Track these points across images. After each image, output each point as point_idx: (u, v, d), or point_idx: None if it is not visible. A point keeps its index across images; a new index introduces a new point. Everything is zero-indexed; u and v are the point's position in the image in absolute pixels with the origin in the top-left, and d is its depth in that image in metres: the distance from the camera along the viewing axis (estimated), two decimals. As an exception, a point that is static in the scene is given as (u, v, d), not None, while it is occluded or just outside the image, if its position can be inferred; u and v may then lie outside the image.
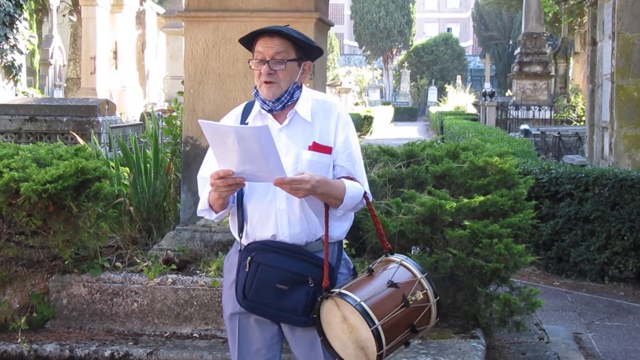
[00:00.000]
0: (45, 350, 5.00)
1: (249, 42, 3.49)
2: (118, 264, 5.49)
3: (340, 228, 3.52)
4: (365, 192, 3.51)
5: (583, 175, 8.46)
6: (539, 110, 25.54)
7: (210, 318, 5.21)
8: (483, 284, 5.36)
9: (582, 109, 23.10)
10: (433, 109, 41.63)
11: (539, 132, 19.17)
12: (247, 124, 3.48)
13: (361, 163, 3.57)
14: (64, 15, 25.82)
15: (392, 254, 3.49)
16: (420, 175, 5.92)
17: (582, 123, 21.22)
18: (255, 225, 3.44)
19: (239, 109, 3.63)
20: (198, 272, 5.37)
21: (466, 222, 5.28)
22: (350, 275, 3.49)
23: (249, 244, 3.46)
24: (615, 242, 8.28)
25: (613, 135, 11.24)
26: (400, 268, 3.38)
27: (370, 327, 3.16)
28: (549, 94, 27.65)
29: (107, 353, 4.94)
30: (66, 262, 5.37)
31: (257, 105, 3.52)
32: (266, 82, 3.40)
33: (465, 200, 5.43)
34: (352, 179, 3.47)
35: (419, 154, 6.23)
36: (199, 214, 3.59)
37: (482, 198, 5.42)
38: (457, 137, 16.08)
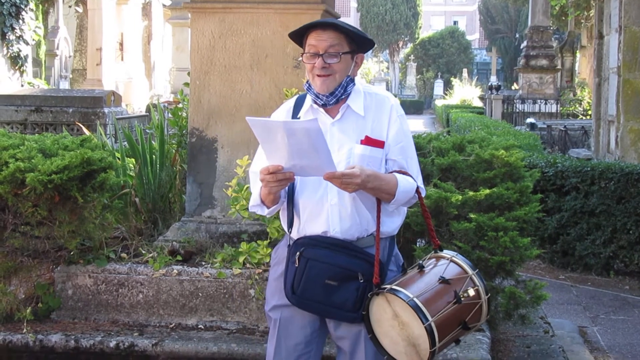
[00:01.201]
0: (51, 340, 5.01)
1: (298, 37, 3.45)
2: (123, 254, 5.49)
3: (392, 223, 3.48)
4: (417, 187, 3.46)
5: (589, 169, 8.45)
6: (545, 103, 25.53)
7: (216, 309, 5.21)
8: (488, 277, 5.35)
9: (589, 102, 23.08)
10: (439, 102, 41.55)
11: (545, 126, 19.16)
12: (298, 118, 3.44)
13: (415, 157, 3.52)
14: (70, 6, 25.78)
15: (441, 250, 3.46)
16: (426, 168, 5.90)
17: (588, 117, 21.21)
18: (307, 220, 3.41)
19: (290, 102, 3.59)
20: (203, 263, 5.37)
21: (472, 215, 5.28)
22: (399, 272, 3.46)
23: (298, 239, 3.43)
24: (620, 236, 8.27)
25: (619, 129, 11.22)
26: (451, 264, 3.35)
27: (423, 324, 3.12)
28: (555, 87, 27.61)
29: (112, 344, 4.94)
30: (72, 253, 5.37)
31: (308, 99, 3.48)
32: (320, 76, 3.35)
33: (471, 193, 5.42)
34: (404, 173, 3.42)
35: (424, 146, 6.21)
36: (250, 210, 3.57)
37: (487, 191, 5.41)
38: (463, 130, 16.06)
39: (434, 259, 3.41)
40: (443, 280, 3.26)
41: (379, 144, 3.39)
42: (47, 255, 5.37)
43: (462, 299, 3.24)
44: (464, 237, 5.25)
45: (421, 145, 6.23)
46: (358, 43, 3.44)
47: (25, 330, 5.06)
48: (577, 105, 25.49)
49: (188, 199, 5.79)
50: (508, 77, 52.79)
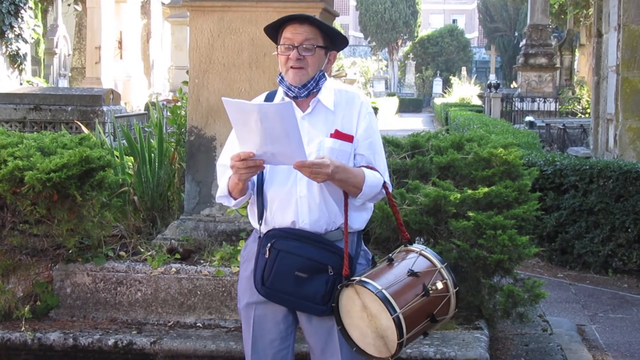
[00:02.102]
0: (49, 338, 5.01)
1: (273, 30, 3.52)
2: (122, 253, 5.49)
3: (359, 218, 3.52)
4: (384, 182, 3.50)
5: (587, 167, 8.45)
6: (544, 102, 25.54)
7: (214, 308, 5.22)
8: (487, 275, 5.35)
9: (587, 101, 23.07)
10: (438, 101, 41.59)
11: (543, 124, 19.16)
12: None
13: (382, 153, 3.58)
14: (69, 5, 25.76)
15: (410, 244, 3.49)
16: (425, 166, 5.91)
17: (587, 115, 21.19)
18: (276, 212, 3.44)
19: (261, 97, 3.64)
20: (202, 261, 5.37)
21: (470, 213, 5.28)
22: (368, 266, 3.49)
23: (268, 231, 3.46)
24: (619, 234, 8.27)
25: (618, 127, 11.22)
26: (420, 257, 3.38)
27: (391, 315, 3.15)
28: (554, 86, 27.62)
29: (110, 342, 4.95)
30: (70, 251, 5.37)
31: (279, 93, 3.53)
32: (294, 68, 3.41)
33: (470, 191, 5.42)
34: (372, 168, 3.47)
35: (423, 145, 6.22)
36: (217, 201, 3.60)
37: (486, 189, 5.42)
38: (461, 129, 16.07)
39: (403, 252, 3.45)
40: (412, 273, 3.29)
41: (348, 138, 3.44)
42: (45, 253, 5.37)
43: (430, 291, 3.28)
44: (462, 235, 5.25)
45: (420, 144, 6.23)
46: (332, 40, 3.50)
47: (23, 328, 5.06)
48: (576, 104, 25.48)
49: (187, 197, 5.79)
50: (507, 76, 52.80)
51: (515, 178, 5.68)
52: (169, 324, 5.22)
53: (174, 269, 5.25)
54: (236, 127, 3.27)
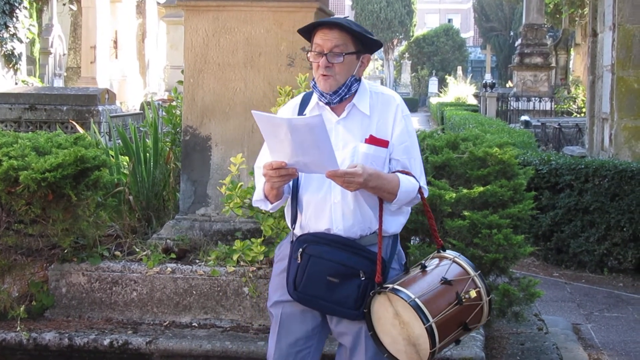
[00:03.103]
0: (44, 338, 5.00)
1: (307, 33, 3.48)
2: (117, 252, 5.48)
3: (395, 222, 3.50)
4: (420, 187, 3.48)
5: (583, 166, 8.46)
6: (540, 101, 25.53)
7: (210, 307, 5.21)
8: (482, 274, 5.35)
9: (583, 100, 23.09)
10: (433, 100, 41.55)
11: (539, 124, 19.16)
12: (304, 115, 3.46)
13: (418, 157, 3.55)
14: (64, 4, 25.73)
15: (444, 250, 3.48)
16: (420, 166, 5.90)
17: (582, 114, 21.21)
18: (310, 217, 3.44)
19: (297, 99, 3.62)
20: (197, 261, 5.37)
21: (465, 213, 5.28)
22: (401, 270, 3.48)
23: (301, 236, 3.46)
24: (614, 233, 8.29)
25: (613, 126, 11.23)
26: (453, 265, 3.36)
27: (424, 324, 3.14)
28: (550, 85, 27.62)
29: (106, 342, 4.94)
30: (65, 251, 5.37)
31: (315, 96, 3.50)
32: (323, 75, 3.38)
33: (465, 190, 5.42)
34: (407, 173, 3.44)
35: (419, 144, 6.21)
36: (254, 204, 3.60)
37: (481, 189, 5.42)
38: (457, 128, 16.08)
39: (436, 259, 3.42)
40: (445, 281, 3.27)
41: (383, 144, 3.41)
42: (40, 253, 5.36)
43: (464, 300, 3.26)
44: (457, 235, 5.25)
45: (415, 143, 6.22)
46: (364, 43, 3.45)
47: (18, 328, 5.05)
48: (571, 103, 25.49)
49: (182, 197, 5.79)
50: (502, 75, 52.82)
51: (510, 177, 5.68)
52: (165, 323, 5.21)
53: (169, 269, 5.24)
54: (267, 138, 3.26)
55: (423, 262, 3.40)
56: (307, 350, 3.52)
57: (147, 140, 6.54)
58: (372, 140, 3.39)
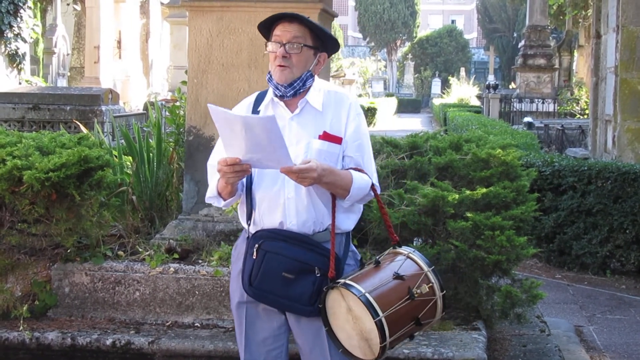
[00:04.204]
0: (47, 338, 5.00)
1: (265, 29, 3.52)
2: (120, 252, 5.49)
3: (348, 219, 3.53)
4: (373, 184, 3.51)
5: (586, 168, 8.46)
6: (543, 103, 25.55)
7: (212, 308, 5.22)
8: (485, 275, 5.36)
9: (586, 102, 23.07)
10: (436, 101, 41.59)
11: (542, 125, 19.17)
12: (258, 112, 3.50)
13: (371, 155, 3.59)
14: (68, 4, 25.73)
15: (399, 246, 3.50)
16: (423, 167, 5.91)
17: (585, 116, 21.22)
18: (264, 213, 3.46)
19: (251, 98, 3.64)
20: (200, 261, 5.37)
21: (468, 214, 5.28)
22: (357, 267, 3.50)
23: (256, 232, 3.48)
24: (617, 235, 8.28)
25: (616, 128, 11.22)
26: (407, 261, 3.38)
27: (373, 319, 3.17)
28: (553, 86, 27.64)
29: (108, 342, 4.94)
30: (68, 251, 5.37)
31: (269, 94, 3.53)
32: (280, 66, 3.41)
33: (468, 192, 5.42)
34: (360, 170, 3.47)
35: (422, 145, 6.22)
36: (207, 201, 3.63)
37: (484, 190, 5.42)
38: (460, 129, 16.08)
39: (391, 255, 3.45)
40: (397, 276, 3.30)
41: (337, 140, 3.45)
42: (44, 252, 5.36)
43: (416, 295, 3.28)
44: (460, 236, 5.25)
45: (418, 144, 6.23)
46: (323, 41, 3.51)
47: (21, 327, 5.05)
48: (575, 105, 25.50)
49: (185, 197, 5.80)
50: (505, 76, 52.87)
51: (513, 179, 5.69)
52: (167, 323, 5.22)
53: (172, 269, 5.25)
54: (222, 133, 3.30)
55: (377, 257, 3.43)
56: (278, 350, 3.56)
57: (150, 140, 6.55)
58: (326, 137, 3.42)
